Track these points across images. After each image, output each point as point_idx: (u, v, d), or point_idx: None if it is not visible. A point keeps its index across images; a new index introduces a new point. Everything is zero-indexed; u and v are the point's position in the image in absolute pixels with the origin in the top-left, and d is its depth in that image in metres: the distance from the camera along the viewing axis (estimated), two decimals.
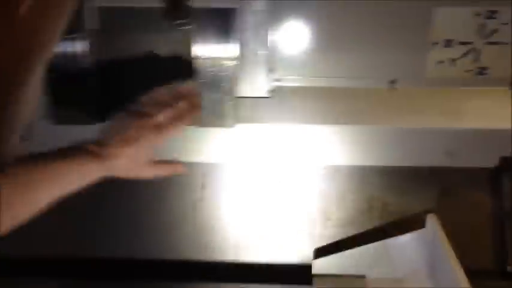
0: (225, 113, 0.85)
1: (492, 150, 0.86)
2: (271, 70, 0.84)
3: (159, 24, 0.76)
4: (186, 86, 0.75)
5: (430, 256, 0.84)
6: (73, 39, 0.76)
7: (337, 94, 0.87)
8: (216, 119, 0.85)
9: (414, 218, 0.92)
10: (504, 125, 0.81)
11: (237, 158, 0.90)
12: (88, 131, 0.70)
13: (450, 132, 0.86)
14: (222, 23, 0.79)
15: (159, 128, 0.69)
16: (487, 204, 0.91)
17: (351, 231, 0.96)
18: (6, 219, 0.50)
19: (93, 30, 0.78)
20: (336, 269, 0.92)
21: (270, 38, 0.82)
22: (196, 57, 0.79)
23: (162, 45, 0.81)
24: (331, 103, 0.87)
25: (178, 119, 0.71)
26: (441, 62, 0.83)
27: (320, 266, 0.92)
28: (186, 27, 0.65)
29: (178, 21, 0.64)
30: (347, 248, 0.92)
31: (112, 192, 0.96)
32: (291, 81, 0.85)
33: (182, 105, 0.72)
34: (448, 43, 0.82)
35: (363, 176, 0.94)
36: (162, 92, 0.73)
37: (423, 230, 0.84)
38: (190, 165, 0.93)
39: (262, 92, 0.85)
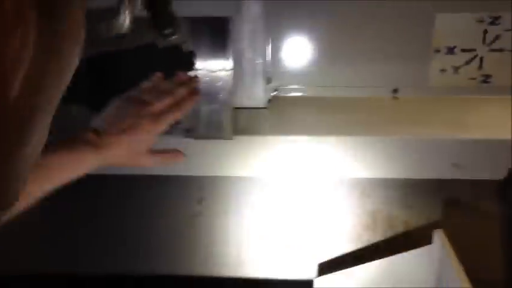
0: (223, 124, 0.83)
1: (500, 162, 0.83)
2: (269, 80, 0.82)
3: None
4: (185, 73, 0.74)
5: (437, 273, 0.80)
6: None
7: (338, 104, 0.85)
8: (213, 130, 0.83)
9: (420, 233, 0.90)
10: (511, 135, 0.79)
11: (236, 171, 0.88)
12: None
13: (456, 143, 0.83)
14: (216, 32, 0.78)
15: (158, 116, 0.67)
16: (495, 218, 0.88)
17: (354, 246, 0.93)
18: None
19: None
20: (340, 287, 0.88)
21: (267, 46, 0.81)
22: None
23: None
24: (332, 114, 0.86)
25: (177, 107, 0.69)
26: (444, 70, 0.81)
27: (323, 283, 0.89)
28: (173, 38, 0.63)
29: (163, 32, 0.62)
30: (351, 264, 0.89)
31: (106, 207, 0.95)
32: (290, 91, 0.83)
33: (181, 92, 0.71)
34: (451, 50, 0.80)
35: (366, 188, 0.91)
36: (161, 79, 0.72)
37: (430, 246, 0.80)
38: (187, 178, 0.91)
39: (261, 103, 0.83)
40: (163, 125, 0.68)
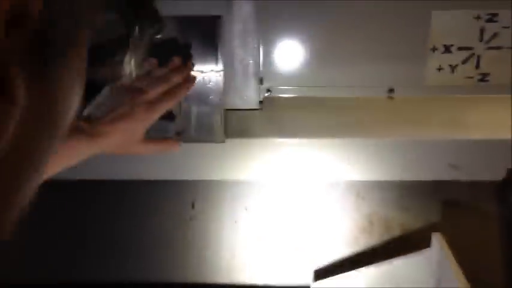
0: (214, 127, 0.81)
1: (499, 162, 0.81)
2: (261, 80, 0.80)
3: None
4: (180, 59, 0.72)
5: (436, 277, 0.79)
6: None
7: (332, 105, 0.83)
8: (205, 133, 0.81)
9: (418, 235, 0.88)
10: (510, 134, 0.77)
11: (228, 175, 0.86)
12: None
13: (454, 143, 0.82)
14: (207, 32, 0.75)
15: (152, 104, 0.66)
16: (494, 220, 0.86)
17: (351, 250, 0.91)
18: None
19: None
20: None
21: (259, 46, 0.78)
22: None
23: None
24: (326, 115, 0.84)
25: (172, 94, 0.68)
26: (440, 68, 0.79)
27: None
28: (157, 37, 0.61)
29: (147, 31, 0.60)
30: (348, 269, 0.88)
31: (97, 213, 0.93)
32: (284, 91, 0.81)
33: (176, 79, 0.69)
34: (447, 49, 0.78)
35: (361, 191, 0.89)
36: (155, 66, 0.70)
37: (429, 249, 0.78)
38: (179, 183, 0.89)
39: (253, 104, 0.81)
40: (158, 113, 0.67)
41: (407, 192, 0.88)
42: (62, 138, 0.26)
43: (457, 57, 0.78)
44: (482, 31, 0.77)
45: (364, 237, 0.91)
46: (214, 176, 0.87)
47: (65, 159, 0.60)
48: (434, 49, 0.78)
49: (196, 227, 0.92)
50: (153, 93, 0.66)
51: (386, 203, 0.90)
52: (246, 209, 0.91)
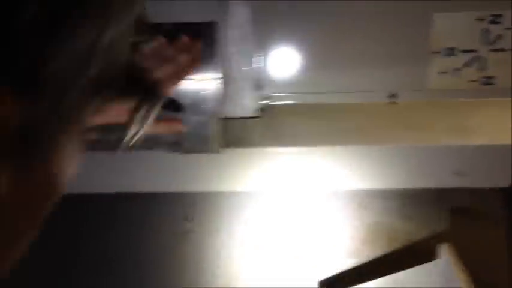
0: (211, 137, 0.78)
1: (505, 168, 0.79)
2: (259, 87, 0.77)
3: None
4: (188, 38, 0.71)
5: None
6: None
7: (332, 111, 0.80)
8: (201, 144, 0.78)
9: (423, 245, 0.85)
10: None
11: (226, 186, 0.83)
12: None
13: (458, 149, 0.79)
14: (202, 38, 0.72)
15: (158, 84, 0.64)
16: (502, 227, 0.84)
17: (354, 262, 0.88)
18: None
19: None
20: None
21: (256, 52, 0.76)
22: None
23: None
24: (326, 122, 0.81)
25: (177, 75, 0.66)
26: (443, 72, 0.76)
27: None
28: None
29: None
30: (352, 281, 0.85)
31: (90, 227, 0.89)
32: (282, 98, 0.78)
33: (183, 59, 0.67)
34: (450, 51, 0.76)
35: (363, 200, 0.87)
36: (163, 44, 0.68)
37: (436, 261, 0.76)
38: (174, 195, 0.86)
39: (251, 112, 0.78)
40: (162, 93, 0.65)
41: (411, 200, 0.86)
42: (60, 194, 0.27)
43: (460, 60, 0.76)
44: (485, 33, 0.75)
45: (367, 248, 0.88)
46: (211, 188, 0.85)
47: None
48: (436, 52, 0.76)
49: (193, 240, 0.89)
50: (158, 73, 0.64)
51: (389, 212, 0.87)
52: (245, 221, 0.88)
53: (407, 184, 0.84)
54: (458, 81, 0.77)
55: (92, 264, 0.91)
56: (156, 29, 0.68)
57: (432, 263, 0.76)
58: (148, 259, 0.90)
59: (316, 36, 0.76)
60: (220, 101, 0.76)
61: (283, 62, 0.77)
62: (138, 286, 0.91)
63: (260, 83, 0.77)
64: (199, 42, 0.72)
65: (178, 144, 0.78)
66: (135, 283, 0.90)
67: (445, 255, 0.75)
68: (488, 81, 0.77)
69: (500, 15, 0.73)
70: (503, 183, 0.80)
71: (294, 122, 0.80)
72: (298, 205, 0.87)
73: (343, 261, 0.89)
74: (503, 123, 0.78)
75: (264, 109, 0.78)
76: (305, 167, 0.82)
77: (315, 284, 0.88)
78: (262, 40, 0.76)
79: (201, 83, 0.75)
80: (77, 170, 0.27)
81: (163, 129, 0.71)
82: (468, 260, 0.74)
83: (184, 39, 0.70)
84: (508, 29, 0.74)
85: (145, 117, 0.50)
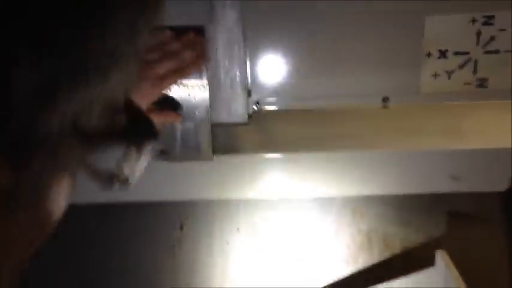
0: (201, 144, 0.76)
1: (501, 172, 0.77)
2: (249, 93, 0.76)
3: None
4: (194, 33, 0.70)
5: None
6: None
7: (324, 117, 0.79)
8: (191, 151, 0.77)
9: (420, 252, 0.84)
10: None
11: (217, 194, 0.82)
12: None
13: (454, 153, 0.78)
14: None
15: (159, 79, 0.64)
16: (499, 232, 0.82)
17: (350, 269, 0.86)
18: None
19: None
20: None
21: (245, 57, 0.74)
22: None
23: None
24: (318, 127, 0.80)
25: (181, 72, 0.67)
26: (436, 75, 0.75)
27: None
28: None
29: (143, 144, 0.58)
30: None
31: (80, 239, 0.88)
32: (273, 103, 0.77)
33: (187, 55, 0.67)
34: (443, 54, 0.74)
35: (359, 207, 0.85)
36: (169, 38, 0.68)
37: (433, 268, 0.74)
38: (165, 204, 0.85)
39: (241, 118, 0.76)
40: (164, 89, 0.66)
41: (407, 206, 0.84)
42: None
43: (453, 62, 0.75)
44: (478, 35, 0.73)
45: (363, 255, 0.86)
46: (203, 196, 0.83)
47: None
48: (429, 55, 0.75)
49: (185, 250, 0.87)
50: (161, 68, 0.64)
51: (385, 219, 0.86)
52: (238, 230, 0.86)
53: (403, 189, 0.82)
54: (452, 84, 0.76)
55: (85, 274, 0.89)
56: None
57: (430, 272, 0.75)
58: (141, 268, 0.88)
59: (307, 41, 0.75)
60: (210, 108, 0.75)
61: (274, 67, 0.75)
62: None
63: (250, 88, 0.76)
64: (205, 40, 0.71)
65: (166, 153, 0.77)
66: None
67: (443, 262, 0.73)
68: (482, 83, 0.75)
69: (492, 17, 0.72)
70: (501, 187, 0.79)
71: (285, 128, 0.79)
72: (291, 212, 0.86)
73: (339, 269, 0.87)
74: (499, 125, 0.77)
75: (255, 115, 0.77)
76: (298, 173, 0.81)
77: None
78: (252, 45, 0.75)
79: (190, 89, 0.74)
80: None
81: (160, 119, 0.70)
82: (466, 265, 0.72)
83: (191, 34, 0.69)
84: (501, 30, 0.73)
85: (138, 159, 0.50)
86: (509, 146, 0.75)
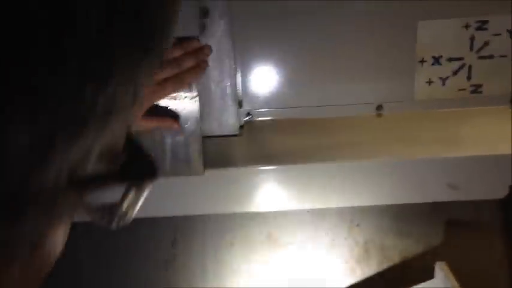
0: (191, 158, 0.74)
1: (500, 179, 0.76)
2: (240, 103, 0.74)
3: None
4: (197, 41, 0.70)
5: None
6: None
7: (318, 126, 0.77)
8: (182, 166, 0.75)
9: (419, 263, 0.81)
10: (510, 148, 0.72)
11: (210, 208, 0.79)
12: None
13: (450, 161, 0.76)
14: None
15: (158, 87, 0.64)
16: (498, 240, 0.80)
17: (348, 282, 0.84)
18: None
19: None
20: None
21: (236, 67, 0.73)
22: None
23: None
24: (312, 137, 0.78)
25: (180, 79, 0.66)
26: (430, 81, 0.74)
27: None
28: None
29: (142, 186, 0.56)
30: None
31: (68, 258, 0.84)
32: (265, 114, 0.75)
33: (187, 64, 0.66)
34: (437, 60, 0.73)
35: (355, 218, 0.83)
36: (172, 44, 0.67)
37: (433, 280, 0.72)
38: (156, 220, 0.82)
39: (233, 130, 0.74)
40: (162, 96, 0.66)
41: (404, 216, 0.82)
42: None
43: (447, 68, 0.73)
44: (472, 40, 0.72)
45: (360, 268, 0.84)
46: (195, 211, 0.81)
47: None
48: (422, 61, 0.73)
49: (178, 267, 0.84)
50: (162, 74, 0.64)
51: (382, 230, 0.83)
52: (232, 244, 0.84)
53: (400, 199, 0.80)
54: (446, 91, 0.74)
55: None
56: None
57: (430, 284, 0.73)
58: (133, 286, 0.85)
59: (299, 50, 0.73)
60: (201, 120, 0.73)
61: (265, 76, 0.74)
62: None
63: (241, 99, 0.74)
64: (207, 47, 0.70)
65: (159, 167, 0.74)
66: None
67: (442, 273, 0.71)
68: (477, 89, 0.74)
69: (486, 21, 0.71)
70: (500, 194, 0.77)
71: (277, 139, 0.77)
72: (287, 225, 0.83)
73: (337, 282, 0.85)
74: (495, 132, 0.76)
75: (246, 126, 0.75)
76: (292, 185, 0.78)
77: None
78: (242, 55, 0.73)
79: (180, 102, 0.72)
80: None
81: (160, 125, 0.70)
82: (466, 276, 0.71)
83: (194, 41, 0.69)
84: (495, 35, 0.72)
85: (135, 201, 0.48)
86: (507, 153, 0.74)
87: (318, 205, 0.81)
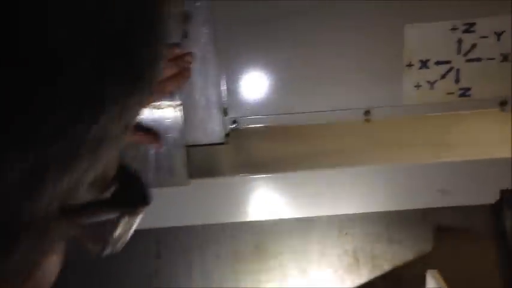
0: (176, 168, 0.72)
1: (491, 183, 0.75)
2: (225, 111, 0.72)
3: None
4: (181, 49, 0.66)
5: None
6: None
7: (305, 133, 0.75)
8: (166, 176, 0.72)
9: (410, 270, 0.80)
10: (500, 152, 0.71)
11: (195, 219, 0.77)
12: None
13: (440, 166, 0.75)
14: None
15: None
16: (490, 246, 0.79)
17: None
18: None
19: None
20: None
21: (221, 74, 0.70)
22: None
23: None
24: (299, 145, 0.76)
25: (163, 87, 0.63)
26: (418, 85, 0.73)
27: None
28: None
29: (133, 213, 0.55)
30: None
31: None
32: (251, 122, 0.73)
33: (168, 72, 0.63)
34: (424, 64, 0.72)
35: (344, 226, 0.81)
36: None
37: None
38: (141, 232, 0.79)
39: (218, 138, 0.72)
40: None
41: (394, 223, 0.81)
42: None
43: (435, 72, 0.72)
44: (459, 43, 0.71)
45: (350, 276, 0.82)
46: (180, 222, 0.78)
47: None
48: (410, 65, 0.72)
49: (163, 279, 0.82)
50: None
51: (371, 237, 0.82)
52: (218, 256, 0.82)
53: (389, 206, 0.79)
54: (435, 95, 0.73)
55: None
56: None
57: None
58: None
59: (284, 57, 0.71)
60: (185, 129, 0.70)
61: (250, 83, 0.72)
62: None
63: (226, 106, 0.72)
64: (189, 54, 0.67)
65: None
66: None
67: (434, 281, 0.70)
68: (465, 92, 0.73)
69: (473, 24, 0.70)
70: (491, 199, 0.76)
71: (264, 147, 0.75)
72: (275, 234, 0.81)
73: None
74: (485, 135, 0.75)
75: (232, 134, 0.73)
76: (280, 194, 0.77)
77: None
78: (227, 62, 0.71)
79: (163, 111, 0.70)
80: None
81: (141, 139, 0.67)
82: (457, 283, 0.69)
83: (175, 48, 0.65)
84: (482, 37, 0.71)
85: (128, 228, 0.47)
86: (498, 157, 0.73)
87: (307, 213, 0.79)
